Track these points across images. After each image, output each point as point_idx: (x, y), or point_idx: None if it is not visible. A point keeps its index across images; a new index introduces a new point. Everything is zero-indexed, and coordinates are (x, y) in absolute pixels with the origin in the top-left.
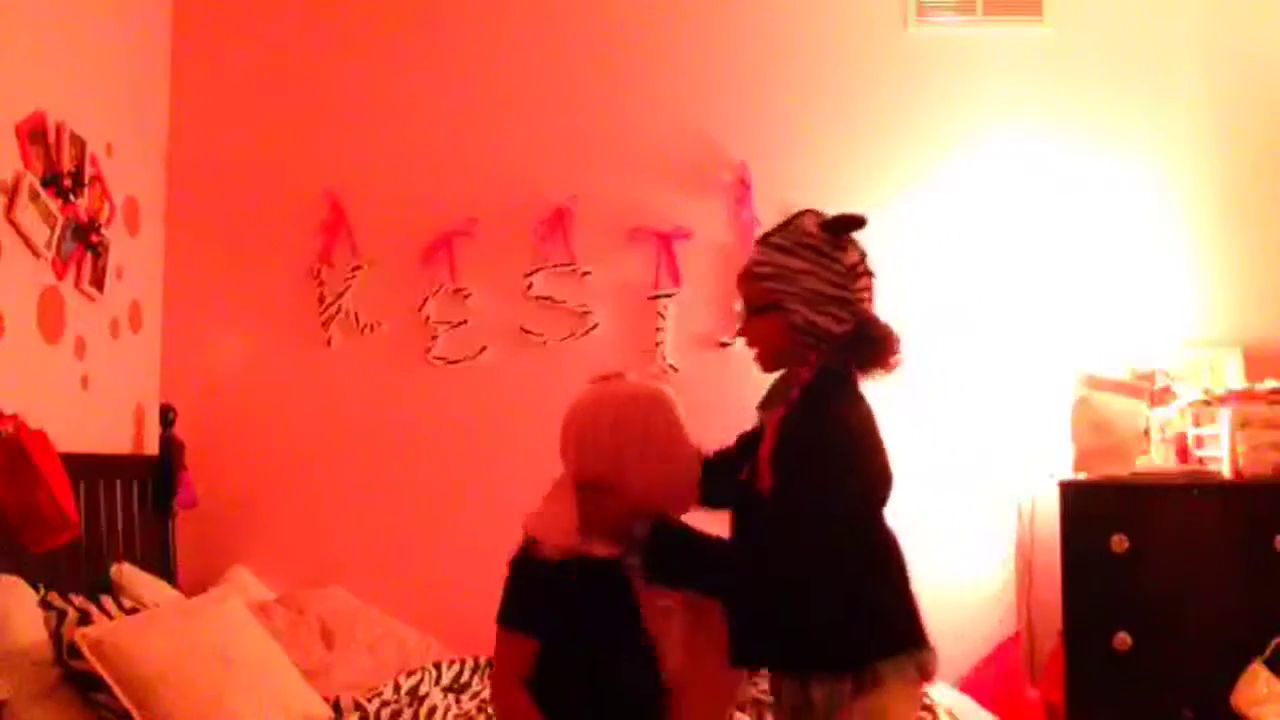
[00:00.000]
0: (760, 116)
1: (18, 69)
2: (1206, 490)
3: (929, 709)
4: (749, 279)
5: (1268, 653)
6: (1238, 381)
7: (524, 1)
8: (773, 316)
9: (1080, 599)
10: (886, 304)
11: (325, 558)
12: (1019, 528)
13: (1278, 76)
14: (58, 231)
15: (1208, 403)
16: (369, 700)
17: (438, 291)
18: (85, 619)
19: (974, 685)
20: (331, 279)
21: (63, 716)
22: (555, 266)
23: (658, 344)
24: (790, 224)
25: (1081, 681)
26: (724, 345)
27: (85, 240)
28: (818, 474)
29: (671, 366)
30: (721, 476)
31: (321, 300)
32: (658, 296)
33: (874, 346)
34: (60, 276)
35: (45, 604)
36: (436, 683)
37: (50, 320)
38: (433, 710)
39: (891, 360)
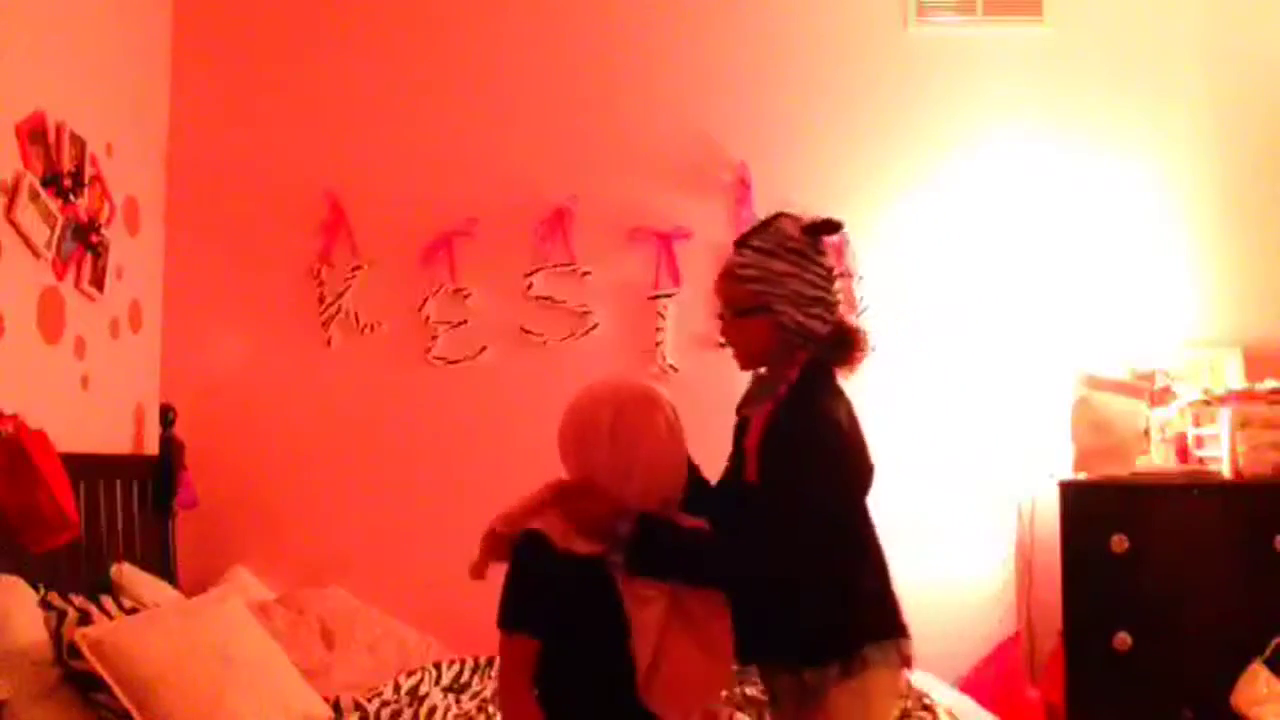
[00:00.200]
0: (760, 116)
1: (18, 69)
2: (1206, 490)
3: (929, 709)
4: (732, 281)
5: (1268, 653)
6: (1238, 381)
7: (524, 2)
8: (760, 318)
9: (1080, 599)
10: (887, 304)
11: (325, 558)
12: (1019, 528)
13: (1278, 76)
14: (58, 231)
15: (1208, 403)
16: (369, 700)
17: (438, 291)
18: (85, 619)
19: (974, 685)
20: (331, 279)
21: (63, 716)
22: (555, 266)
23: (658, 344)
24: (768, 227)
25: (1081, 681)
26: (724, 345)
27: (85, 240)
28: (806, 464)
29: (671, 366)
30: (700, 492)
31: (321, 300)
32: (658, 296)
33: (849, 345)
34: (60, 276)
35: (45, 604)
36: (436, 683)
37: (50, 320)
38: (433, 710)
39: (859, 358)
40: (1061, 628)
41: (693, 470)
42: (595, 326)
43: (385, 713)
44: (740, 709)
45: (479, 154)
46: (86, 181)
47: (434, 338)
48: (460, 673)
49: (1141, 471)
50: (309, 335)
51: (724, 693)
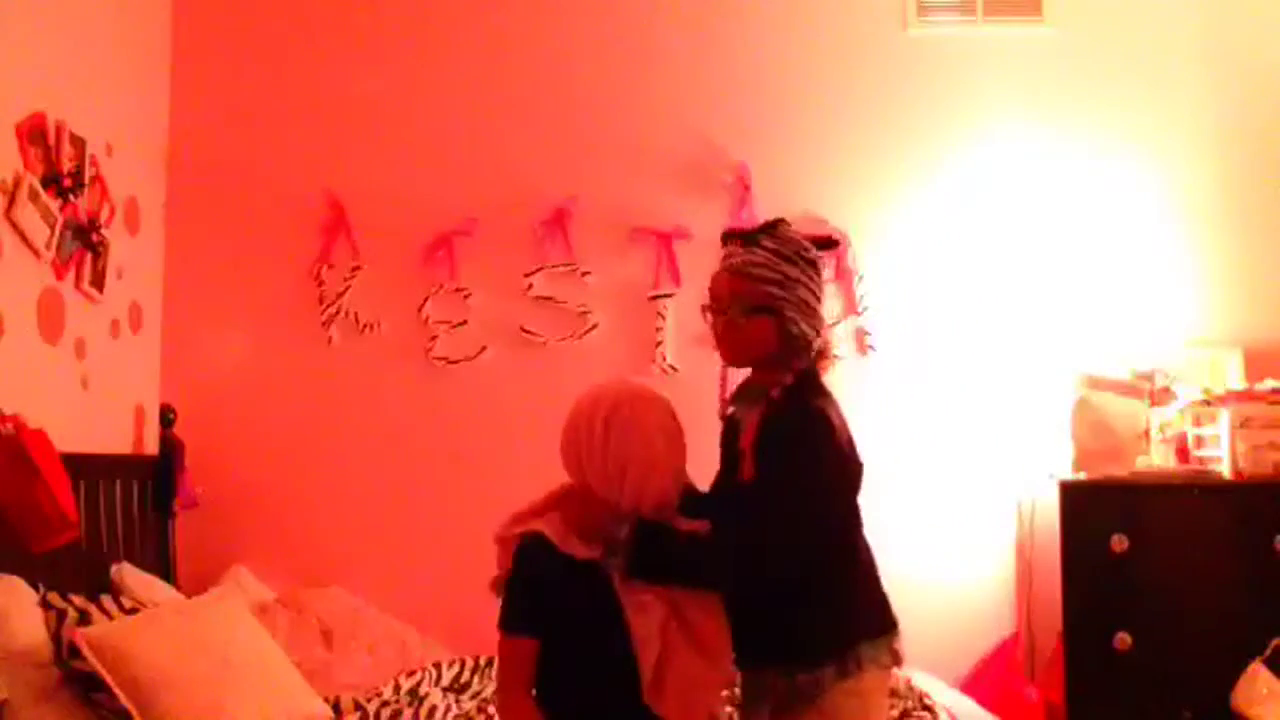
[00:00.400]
0: (760, 117)
1: (18, 69)
2: (1206, 490)
3: (929, 709)
4: (747, 278)
5: (1268, 653)
6: (1238, 381)
7: (524, 2)
8: (766, 319)
9: (1080, 599)
10: (887, 304)
11: (325, 558)
12: (1019, 528)
13: (1278, 76)
14: (58, 231)
15: (1208, 403)
16: (369, 700)
17: (438, 291)
18: (85, 619)
19: (974, 685)
20: (331, 279)
21: (63, 716)
22: (555, 266)
23: (658, 344)
24: (776, 231)
25: (1081, 681)
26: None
27: (85, 240)
28: (802, 462)
29: (671, 366)
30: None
31: (321, 300)
32: (658, 296)
33: (826, 356)
34: (60, 276)
35: (45, 604)
36: (436, 683)
37: (50, 320)
38: (433, 710)
39: (826, 368)
40: (1061, 627)
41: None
42: (595, 327)
43: (385, 713)
44: (739, 708)
45: (479, 154)
46: (86, 181)
47: (434, 338)
48: (460, 673)
49: (1141, 471)
50: (309, 335)
51: (724, 693)
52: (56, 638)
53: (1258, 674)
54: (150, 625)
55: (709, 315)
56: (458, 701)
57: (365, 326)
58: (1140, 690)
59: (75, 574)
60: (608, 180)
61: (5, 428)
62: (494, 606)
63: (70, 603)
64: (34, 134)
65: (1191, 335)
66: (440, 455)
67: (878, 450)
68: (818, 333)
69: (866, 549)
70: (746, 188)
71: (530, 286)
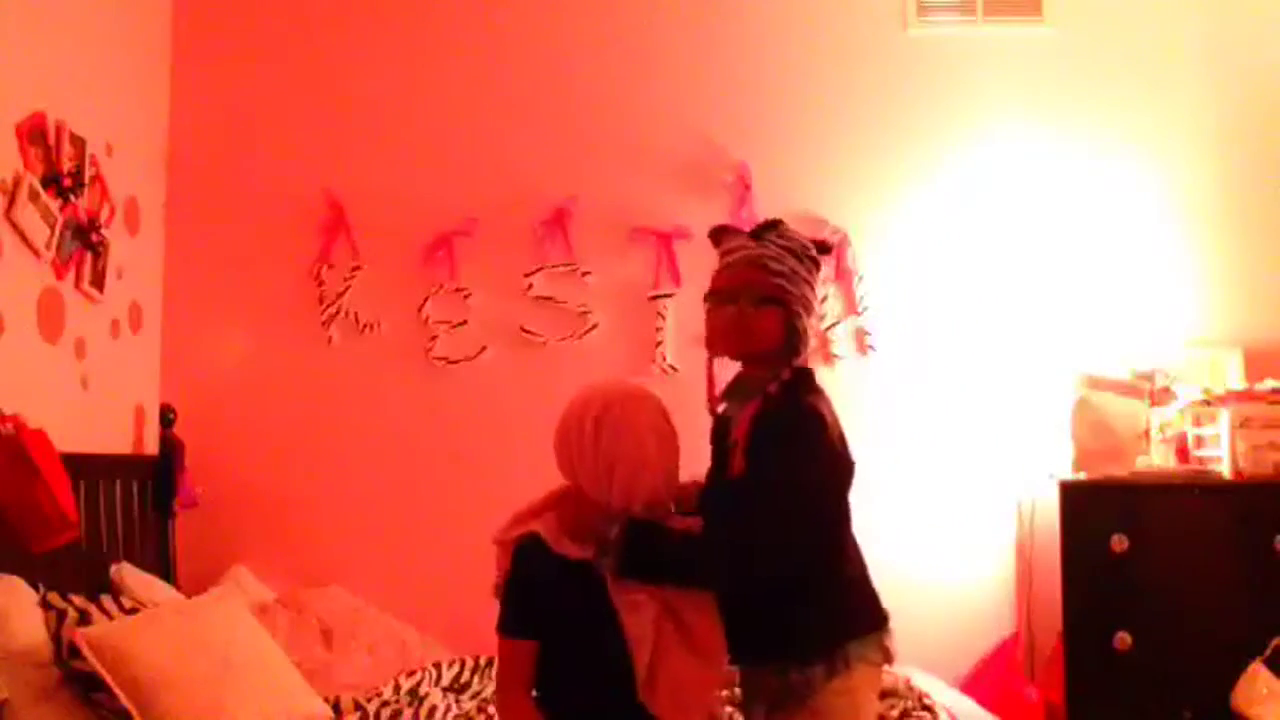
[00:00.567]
0: (760, 116)
1: (18, 69)
2: (1206, 490)
3: (929, 709)
4: (761, 269)
5: (1267, 653)
6: (1238, 381)
7: (524, 2)
8: (774, 311)
9: (1080, 599)
10: (887, 304)
11: (325, 558)
12: (1019, 528)
13: (1278, 77)
14: (58, 231)
15: (1208, 403)
16: (369, 700)
17: (438, 291)
18: (85, 619)
19: (974, 685)
20: (331, 279)
21: (63, 716)
22: (555, 266)
23: (658, 344)
24: (782, 229)
25: (1081, 681)
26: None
27: (85, 240)
28: (796, 458)
29: (671, 366)
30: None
31: (321, 300)
32: (658, 296)
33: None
34: (60, 276)
35: (45, 604)
36: (436, 683)
37: (50, 320)
38: (433, 710)
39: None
40: (1061, 627)
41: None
42: (595, 326)
43: (385, 713)
44: (739, 708)
45: (479, 154)
46: (86, 181)
47: (434, 338)
48: (460, 673)
49: (1141, 471)
50: (309, 335)
51: (724, 692)
52: (56, 638)
53: (1258, 674)
54: (150, 625)
55: (713, 304)
56: (458, 701)
57: (365, 326)
58: (1140, 690)
59: (75, 574)
60: (608, 180)
61: (5, 428)
62: (494, 606)
63: (70, 603)
64: (34, 134)
65: (1191, 335)
66: (440, 455)
67: (878, 450)
68: (813, 333)
69: (855, 546)
70: (746, 187)
71: (530, 286)
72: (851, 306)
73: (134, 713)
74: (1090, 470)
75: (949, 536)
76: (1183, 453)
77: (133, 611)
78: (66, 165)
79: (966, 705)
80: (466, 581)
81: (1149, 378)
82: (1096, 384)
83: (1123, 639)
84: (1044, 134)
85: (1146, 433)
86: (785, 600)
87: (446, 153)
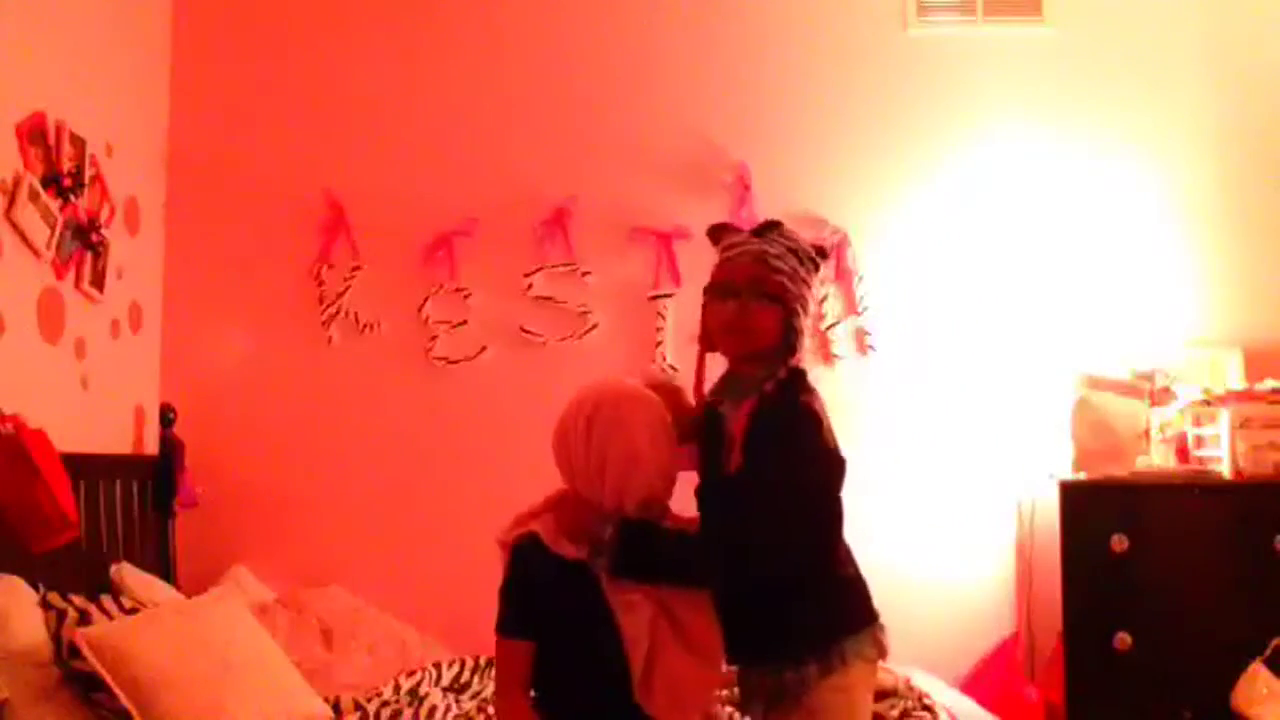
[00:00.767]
0: (760, 116)
1: (18, 69)
2: (1206, 490)
3: (929, 709)
4: (766, 265)
5: (1268, 653)
6: (1238, 381)
7: (524, 2)
8: (774, 309)
9: (1080, 599)
10: (887, 304)
11: (325, 558)
12: (1019, 528)
13: (1278, 77)
14: (58, 231)
15: (1208, 403)
16: (369, 700)
17: (438, 291)
18: (85, 619)
19: (974, 685)
20: (331, 279)
21: (63, 716)
22: (555, 266)
23: (658, 344)
24: (783, 230)
25: (1081, 681)
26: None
27: (85, 240)
28: (795, 458)
29: (672, 366)
30: None
31: (321, 300)
32: (658, 296)
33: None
34: (60, 276)
35: (45, 604)
36: (436, 683)
37: (50, 320)
38: (433, 710)
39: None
40: (1061, 627)
41: None
42: (595, 326)
43: (385, 713)
44: (739, 708)
45: (479, 154)
46: (86, 181)
47: (434, 338)
48: (460, 673)
49: (1141, 471)
50: (309, 335)
51: (723, 692)
52: (56, 638)
53: (1258, 674)
54: (150, 625)
55: (713, 299)
56: (458, 701)
57: (365, 326)
58: (1140, 690)
59: (75, 574)
60: (608, 180)
61: (5, 428)
62: (493, 606)
63: (70, 603)
64: (34, 134)
65: (1191, 335)
66: (440, 455)
67: (878, 450)
68: (806, 334)
69: (845, 545)
70: (746, 188)
71: (530, 286)
72: (851, 306)
73: (134, 713)
74: (1090, 470)
75: (949, 536)
76: (1183, 453)
77: (133, 611)
78: (66, 165)
79: (966, 705)
80: (466, 581)
81: (1149, 378)
82: (1096, 384)
83: (1123, 639)
84: (1044, 134)
85: (1146, 433)
86: (781, 599)
87: (446, 153)
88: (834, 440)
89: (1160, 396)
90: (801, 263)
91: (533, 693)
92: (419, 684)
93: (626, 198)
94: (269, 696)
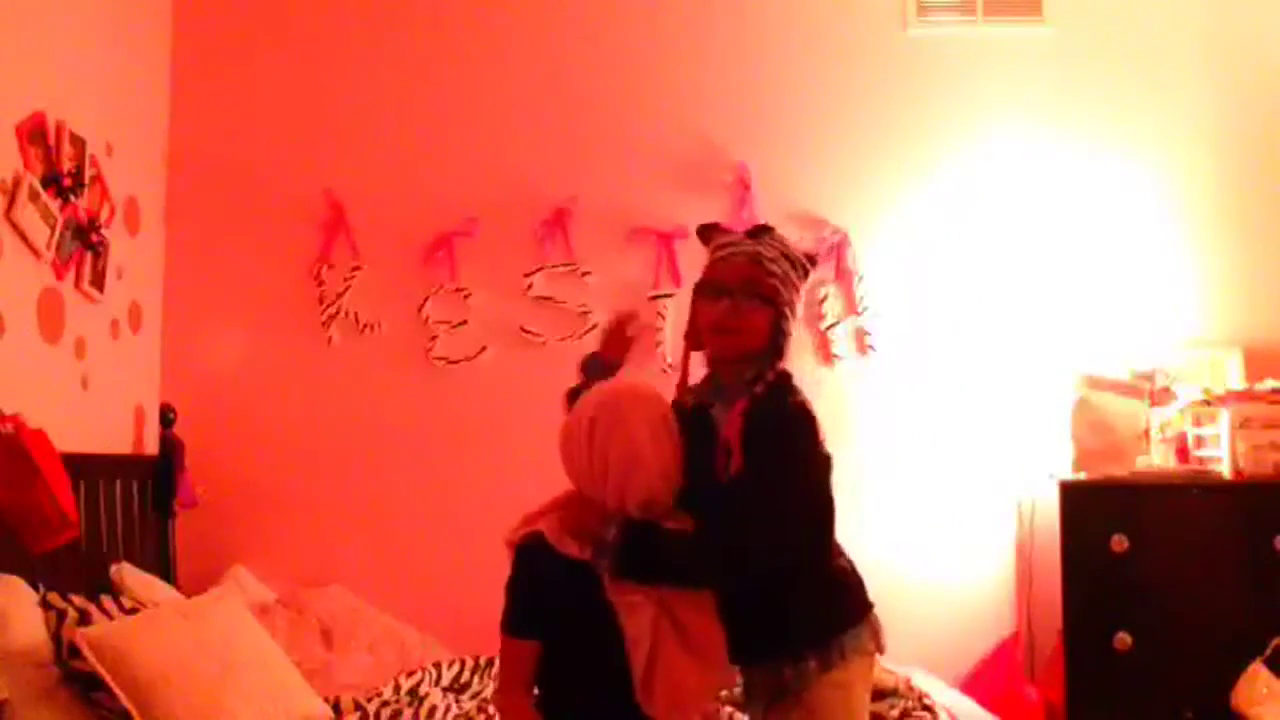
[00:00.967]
0: (760, 117)
1: (18, 69)
2: (1206, 490)
3: (929, 709)
4: (760, 267)
5: (1268, 653)
6: (1238, 381)
7: (524, 2)
8: (767, 310)
9: (1080, 598)
10: (887, 304)
11: (325, 558)
12: (1019, 527)
13: (1278, 76)
14: (58, 231)
15: (1208, 403)
16: (369, 700)
17: (438, 291)
18: (85, 619)
19: (974, 685)
20: (331, 279)
21: (63, 716)
22: (555, 266)
23: (658, 344)
24: (777, 235)
25: (1081, 681)
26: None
27: (85, 240)
28: (794, 458)
29: (671, 366)
30: None
31: (321, 300)
32: (658, 296)
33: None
34: (60, 276)
35: (45, 604)
36: (436, 683)
37: (50, 320)
38: (433, 710)
39: None
40: (1061, 627)
41: None
42: (595, 326)
43: (385, 713)
44: (739, 708)
45: (479, 154)
46: (86, 181)
47: (434, 338)
48: (460, 673)
49: (1141, 471)
50: (309, 335)
51: (724, 692)
52: (56, 638)
53: (1258, 674)
54: (150, 625)
55: (705, 297)
56: (458, 701)
57: (365, 326)
58: (1140, 690)
59: (75, 574)
60: (608, 180)
61: (5, 428)
62: (493, 606)
63: (70, 603)
64: (34, 134)
65: (1191, 335)
66: (440, 455)
67: (878, 450)
68: (790, 340)
69: (836, 542)
70: (746, 188)
71: (530, 286)
72: (851, 306)
73: (134, 713)
74: (1090, 470)
75: (949, 536)
76: (1183, 453)
77: (133, 611)
78: (66, 165)
79: (966, 705)
80: (466, 581)
81: (1149, 378)
82: (1096, 384)
83: (1123, 639)
84: (1044, 134)
85: (1146, 433)
86: (781, 597)
87: (446, 153)
88: (823, 438)
89: (1160, 396)
90: (794, 267)
91: (535, 691)
92: (419, 684)
93: (626, 198)
94: (269, 696)
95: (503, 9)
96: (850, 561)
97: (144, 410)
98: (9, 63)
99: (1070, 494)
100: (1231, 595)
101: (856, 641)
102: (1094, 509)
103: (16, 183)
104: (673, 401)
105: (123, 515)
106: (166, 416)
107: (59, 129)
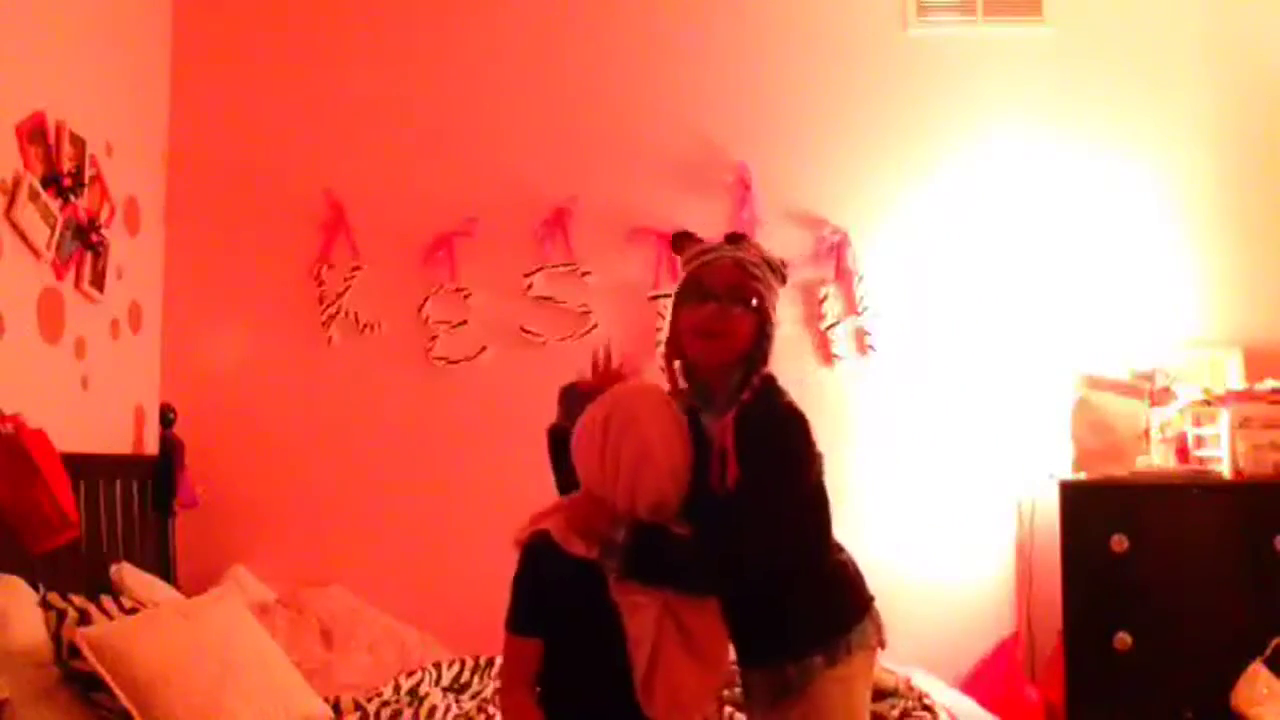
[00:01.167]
0: (760, 117)
1: (18, 69)
2: (1206, 490)
3: (929, 709)
4: (746, 273)
5: (1268, 653)
6: (1238, 381)
7: (524, 2)
8: (753, 317)
9: (1080, 598)
10: (887, 304)
11: (325, 558)
12: (1019, 528)
13: (1278, 77)
14: (58, 231)
15: (1208, 403)
16: (369, 700)
17: (438, 291)
18: (85, 619)
19: (974, 685)
20: (331, 279)
21: (63, 716)
22: (555, 266)
23: (658, 344)
24: (754, 242)
25: (1081, 681)
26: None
27: (85, 240)
28: (790, 458)
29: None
30: None
31: (321, 300)
32: (658, 296)
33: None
34: (60, 276)
35: (45, 604)
36: (436, 683)
37: (50, 320)
38: (433, 710)
39: None
40: (1061, 627)
41: None
42: (595, 326)
43: (385, 713)
44: (740, 708)
45: (479, 154)
46: (86, 181)
47: (434, 338)
48: (460, 673)
49: (1141, 471)
50: (309, 335)
51: (724, 692)
52: (56, 638)
53: (1258, 674)
54: (150, 625)
55: (689, 303)
56: (458, 701)
57: (365, 326)
58: (1140, 690)
59: (75, 574)
60: (608, 180)
61: (5, 428)
62: (492, 606)
63: (70, 603)
64: (34, 134)
65: (1191, 335)
66: (440, 455)
67: (878, 450)
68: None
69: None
70: (746, 188)
71: (530, 286)
72: (851, 306)
73: (134, 713)
74: (1090, 470)
75: (949, 536)
76: (1183, 453)
77: (133, 611)
78: (66, 165)
79: (966, 705)
80: (466, 581)
81: (1149, 378)
82: (1096, 384)
83: (1123, 639)
84: (1044, 134)
85: (1146, 433)
86: (786, 599)
87: (446, 153)
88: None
89: (1160, 396)
90: (774, 274)
91: (536, 691)
92: (419, 684)
93: (626, 198)
94: (269, 696)
95: (503, 9)
96: (850, 556)
97: (144, 410)
98: (9, 63)
99: (1070, 494)
100: (1231, 595)
101: (860, 637)
102: (1094, 509)
103: (16, 183)
104: None
105: (123, 515)
106: (166, 416)
107: (59, 129)
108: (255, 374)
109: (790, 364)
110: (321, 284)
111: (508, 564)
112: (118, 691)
